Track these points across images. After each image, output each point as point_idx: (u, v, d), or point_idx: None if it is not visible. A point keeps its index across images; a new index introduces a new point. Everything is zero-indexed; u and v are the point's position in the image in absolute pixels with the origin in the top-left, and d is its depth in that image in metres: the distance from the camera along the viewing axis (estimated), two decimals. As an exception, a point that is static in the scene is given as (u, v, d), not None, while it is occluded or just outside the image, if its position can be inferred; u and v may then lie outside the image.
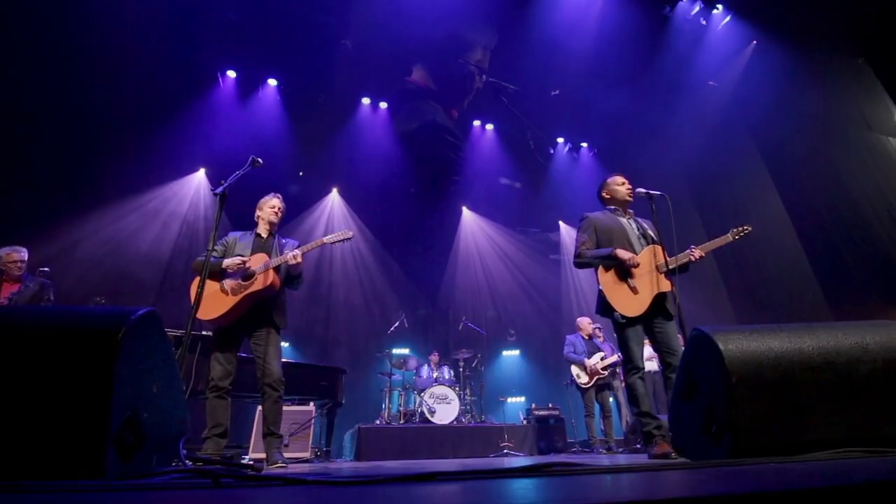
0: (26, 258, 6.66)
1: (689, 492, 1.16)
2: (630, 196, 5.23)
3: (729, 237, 4.94)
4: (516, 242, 16.66)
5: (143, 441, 2.14)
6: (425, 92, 14.53)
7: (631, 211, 5.25)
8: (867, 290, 10.20)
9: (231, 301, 4.86)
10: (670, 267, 4.62)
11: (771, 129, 12.17)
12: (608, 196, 5.33)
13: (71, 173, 10.37)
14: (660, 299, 4.63)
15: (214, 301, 4.88)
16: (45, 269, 6.78)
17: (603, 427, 9.18)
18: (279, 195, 5.61)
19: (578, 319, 10.06)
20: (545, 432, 9.83)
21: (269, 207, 5.50)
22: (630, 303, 4.64)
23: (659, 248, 4.78)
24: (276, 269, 5.07)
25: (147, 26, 10.70)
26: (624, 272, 4.74)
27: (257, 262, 5.05)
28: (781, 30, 11.62)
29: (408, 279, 15.20)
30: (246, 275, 4.95)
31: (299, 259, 5.09)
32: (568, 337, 9.89)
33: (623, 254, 4.71)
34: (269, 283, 4.91)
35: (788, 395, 2.43)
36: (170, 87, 11.60)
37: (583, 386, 9.31)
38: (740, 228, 4.98)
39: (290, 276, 5.31)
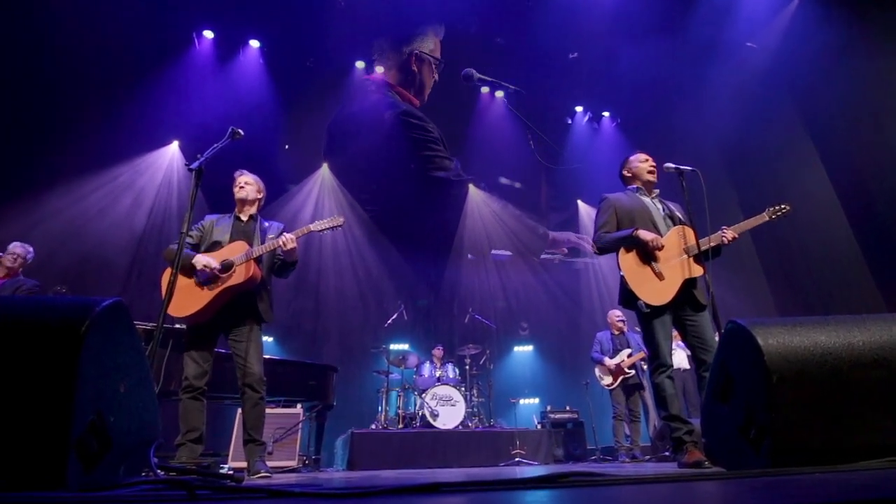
0: (23, 254, 6.95)
1: (725, 506, 1.16)
2: (653, 175, 5.21)
3: (765, 216, 4.93)
4: (529, 224, 16.58)
5: (109, 447, 2.13)
6: (388, 84, 15.09)
7: (656, 191, 5.24)
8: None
9: (207, 296, 4.84)
10: (701, 249, 4.60)
11: (816, 97, 12.07)
12: (629, 174, 5.31)
13: (28, 147, 10.32)
14: (689, 286, 4.61)
15: (188, 296, 4.85)
16: None
17: (628, 432, 9.19)
18: (244, 171, 5.58)
19: (610, 312, 10.06)
20: (562, 438, 9.85)
21: (236, 186, 5.47)
22: (655, 289, 4.61)
23: (688, 228, 4.76)
24: (258, 259, 5.05)
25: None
26: (647, 255, 4.71)
27: (236, 250, 5.01)
28: (829, -17, 11.54)
29: (407, 265, 15.16)
30: (224, 265, 4.92)
31: (294, 244, 5.07)
32: (597, 335, 9.94)
33: (645, 234, 4.69)
34: (249, 275, 4.89)
35: (835, 396, 2.41)
36: (139, 49, 11.51)
37: (607, 387, 9.35)
38: (778, 207, 4.97)
39: (284, 264, 5.33)
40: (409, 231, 15.25)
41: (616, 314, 9.85)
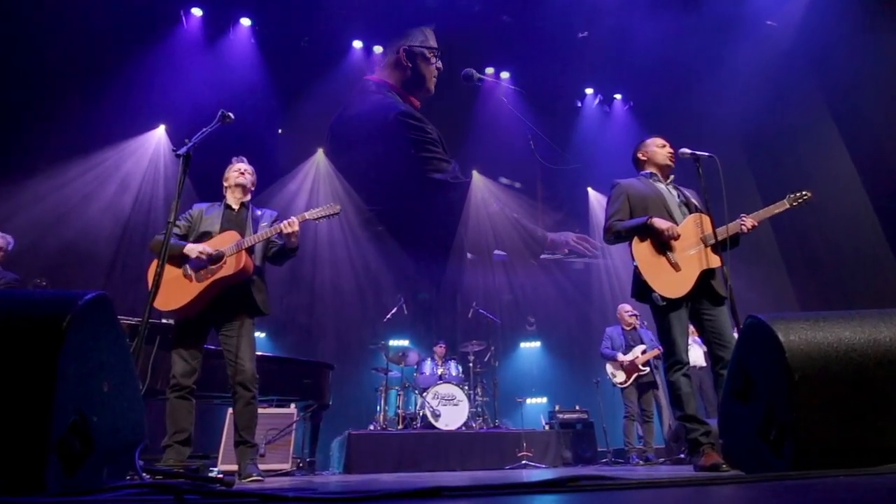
0: (4, 245, 6.99)
1: (744, 511, 1.15)
2: (671, 160, 5.18)
3: (785, 204, 4.90)
4: (536, 213, 16.54)
5: (92, 449, 2.13)
6: (387, 85, 15.24)
7: (671, 177, 5.21)
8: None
9: (195, 289, 4.82)
10: (719, 238, 4.56)
11: (841, 78, 12.00)
12: (644, 158, 5.28)
13: (6, 130, 10.28)
14: (706, 277, 4.58)
15: (176, 288, 4.83)
16: None
17: (641, 433, 9.17)
18: (244, 158, 5.58)
19: (619, 307, 10.04)
20: (571, 439, 9.85)
21: (235, 171, 5.43)
22: (671, 281, 4.58)
23: (705, 216, 4.74)
24: (250, 249, 5.02)
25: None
26: (663, 245, 4.68)
27: (227, 241, 4.97)
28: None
29: (407, 257, 15.11)
30: (214, 257, 4.89)
31: (295, 227, 5.02)
32: (606, 330, 9.91)
33: (660, 223, 4.65)
34: (240, 266, 4.84)
35: (860, 395, 2.40)
36: (123, 28, 11.47)
37: (619, 385, 9.32)
38: (799, 194, 4.94)
39: (282, 250, 5.29)
40: (410, 229, 15.21)
41: (626, 309, 9.83)
